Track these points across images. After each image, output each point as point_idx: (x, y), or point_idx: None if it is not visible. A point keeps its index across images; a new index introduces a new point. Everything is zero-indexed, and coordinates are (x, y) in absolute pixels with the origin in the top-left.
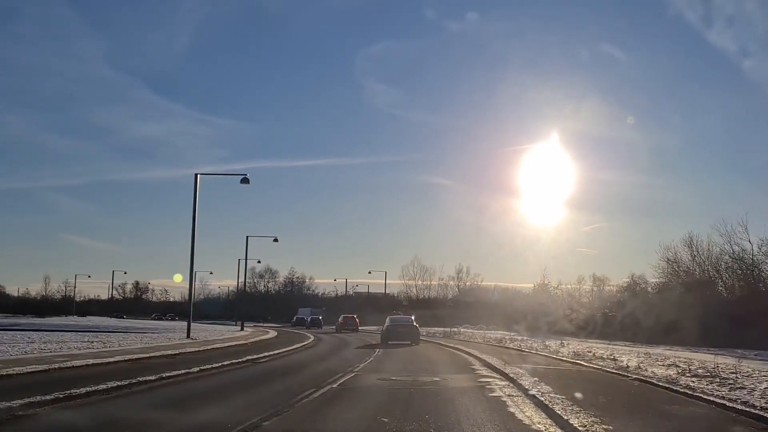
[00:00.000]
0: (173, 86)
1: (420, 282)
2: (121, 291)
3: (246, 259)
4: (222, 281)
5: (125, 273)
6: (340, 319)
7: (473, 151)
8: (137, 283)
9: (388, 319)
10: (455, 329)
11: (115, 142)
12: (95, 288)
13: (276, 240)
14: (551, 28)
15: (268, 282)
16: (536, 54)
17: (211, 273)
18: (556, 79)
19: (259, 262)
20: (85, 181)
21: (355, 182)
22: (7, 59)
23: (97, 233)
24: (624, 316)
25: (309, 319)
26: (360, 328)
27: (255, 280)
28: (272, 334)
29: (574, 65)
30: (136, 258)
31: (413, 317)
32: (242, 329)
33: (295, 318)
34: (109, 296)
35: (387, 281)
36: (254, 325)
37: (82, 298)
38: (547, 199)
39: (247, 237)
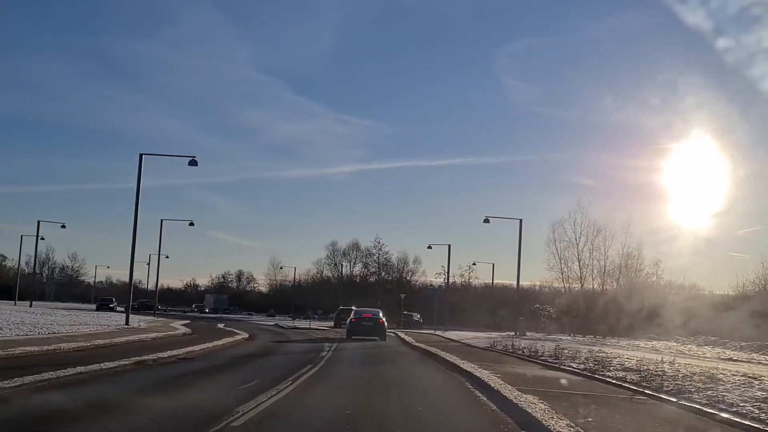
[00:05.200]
0: (315, 86)
1: (583, 246)
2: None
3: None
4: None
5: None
6: None
7: (617, 149)
8: (242, 275)
9: (353, 312)
10: None
11: (261, 142)
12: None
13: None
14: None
15: (355, 262)
16: (686, 53)
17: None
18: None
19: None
20: (232, 179)
21: (494, 181)
22: (163, 62)
23: (244, 230)
24: None
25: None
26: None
27: (337, 260)
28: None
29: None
30: (278, 253)
31: (380, 312)
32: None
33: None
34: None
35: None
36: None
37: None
38: (696, 200)
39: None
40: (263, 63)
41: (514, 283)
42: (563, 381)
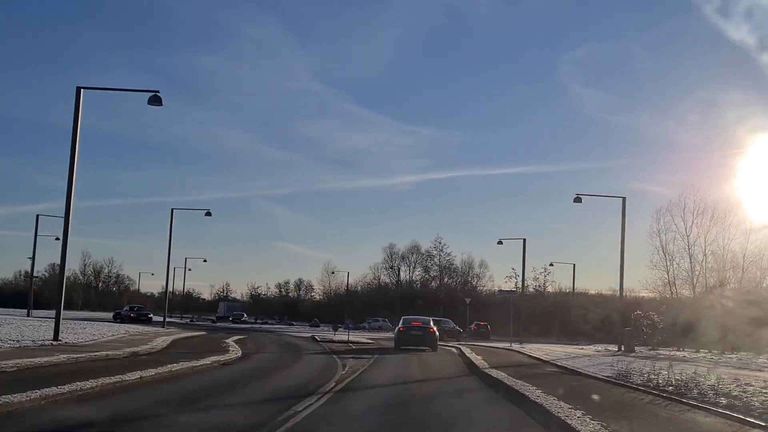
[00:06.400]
0: (377, 97)
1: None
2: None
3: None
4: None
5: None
6: None
7: (688, 155)
8: (302, 284)
9: (401, 321)
10: None
11: (323, 153)
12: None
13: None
14: None
15: (414, 267)
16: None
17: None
18: None
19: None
20: (295, 191)
21: (559, 189)
22: (228, 77)
23: (306, 240)
24: None
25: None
26: None
27: (395, 263)
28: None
29: None
30: (337, 260)
31: (431, 320)
32: None
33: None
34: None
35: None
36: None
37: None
38: None
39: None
40: (326, 75)
41: (593, 290)
42: None
